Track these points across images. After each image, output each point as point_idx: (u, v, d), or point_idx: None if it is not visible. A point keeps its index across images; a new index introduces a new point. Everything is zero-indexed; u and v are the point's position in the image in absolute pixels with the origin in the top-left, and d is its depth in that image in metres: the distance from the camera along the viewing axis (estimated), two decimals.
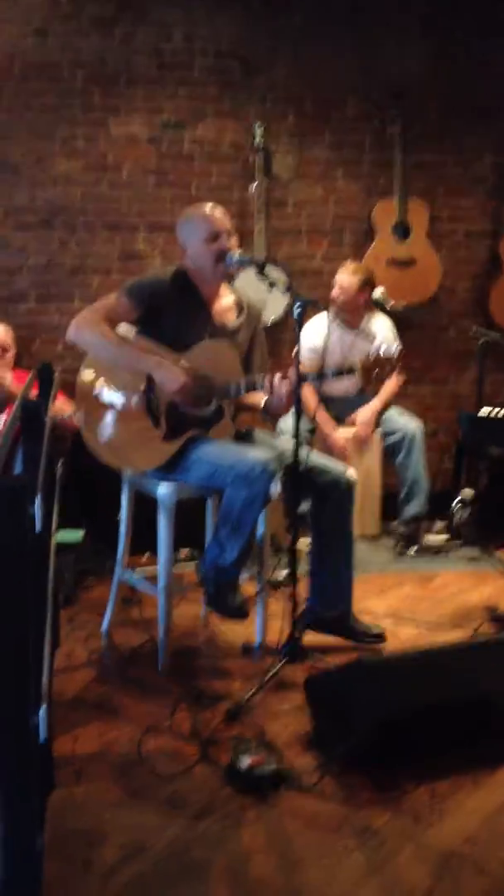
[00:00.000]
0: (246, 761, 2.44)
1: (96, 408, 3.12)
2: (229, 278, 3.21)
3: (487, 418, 3.56)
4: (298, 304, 2.93)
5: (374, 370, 3.16)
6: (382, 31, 5.16)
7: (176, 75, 5.03)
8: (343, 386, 4.78)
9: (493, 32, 5.28)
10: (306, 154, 5.21)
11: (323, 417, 4.63)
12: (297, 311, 2.93)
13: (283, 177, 5.19)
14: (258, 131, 4.99)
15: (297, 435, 2.98)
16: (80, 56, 4.93)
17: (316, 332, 4.65)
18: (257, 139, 5.00)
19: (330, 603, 3.35)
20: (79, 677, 3.14)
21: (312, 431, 4.60)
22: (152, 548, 3.97)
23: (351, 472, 3.27)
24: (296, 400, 2.97)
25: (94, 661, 3.29)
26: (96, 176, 5.02)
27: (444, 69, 5.25)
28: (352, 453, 4.70)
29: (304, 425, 4.54)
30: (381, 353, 3.14)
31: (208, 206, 3.22)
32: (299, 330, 2.96)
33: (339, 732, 2.51)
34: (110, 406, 3.13)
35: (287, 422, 4.47)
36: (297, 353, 2.96)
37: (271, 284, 3.01)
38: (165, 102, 5.04)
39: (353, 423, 4.78)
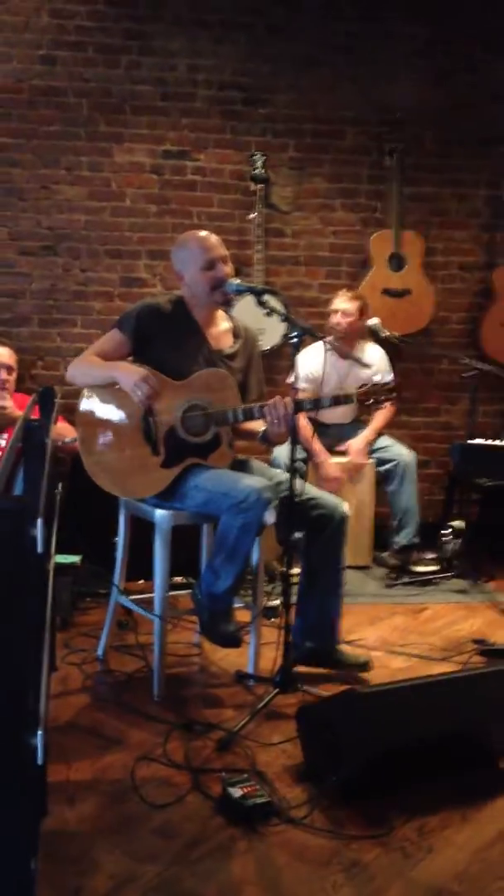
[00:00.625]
0: (238, 792, 2.45)
1: (97, 434, 3.15)
2: (227, 305, 3.25)
3: (478, 448, 3.59)
4: (296, 332, 2.97)
5: (370, 399, 3.20)
6: (381, 62, 5.26)
7: (179, 105, 5.11)
8: (337, 414, 4.82)
9: (490, 66, 5.36)
10: (305, 184, 5.29)
11: (317, 446, 4.66)
12: (294, 340, 2.97)
13: (282, 207, 5.25)
14: (258, 161, 5.06)
15: (293, 465, 3.01)
16: (86, 84, 5.01)
17: (312, 361, 4.70)
18: (257, 169, 5.06)
19: (316, 635, 3.35)
20: (74, 702, 3.15)
21: (306, 461, 4.65)
22: (148, 572, 4.02)
23: (345, 506, 3.30)
24: (292, 429, 3.01)
25: (88, 686, 3.30)
26: (100, 203, 5.08)
27: (441, 102, 5.34)
28: (345, 482, 4.73)
29: (298, 454, 4.60)
30: (377, 381, 3.18)
31: (203, 233, 3.26)
32: (296, 353, 3.00)
33: (330, 764, 2.52)
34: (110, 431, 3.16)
35: (281, 450, 4.50)
36: (295, 381, 3.00)
37: (269, 313, 3.05)
38: (169, 131, 5.12)
39: (345, 452, 4.81)
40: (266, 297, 3.04)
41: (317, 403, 3.21)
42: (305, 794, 2.57)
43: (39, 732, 1.60)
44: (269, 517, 2.95)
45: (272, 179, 5.18)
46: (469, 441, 3.80)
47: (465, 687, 2.65)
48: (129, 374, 3.07)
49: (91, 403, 3.17)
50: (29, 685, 1.69)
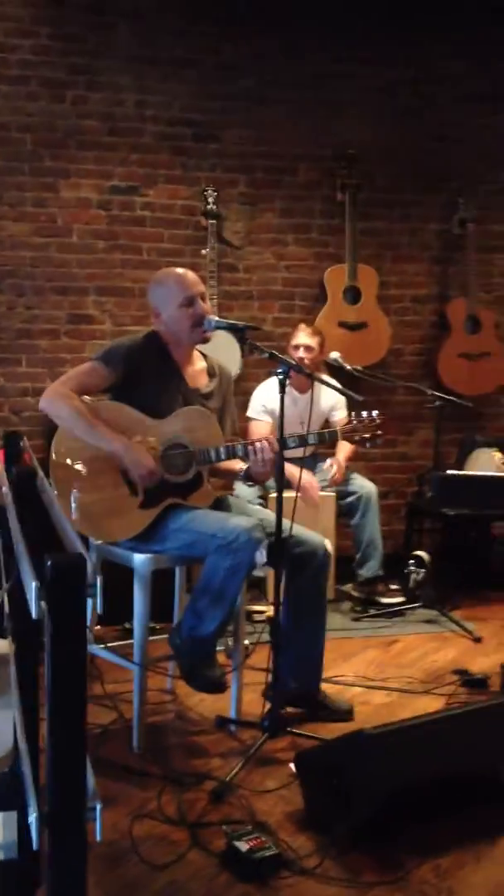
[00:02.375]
0: (244, 845, 2.34)
1: (70, 477, 3.02)
2: (204, 342, 3.17)
3: (457, 478, 3.57)
4: (282, 369, 2.91)
5: (356, 436, 3.14)
6: (332, 98, 5.30)
7: (127, 140, 5.06)
8: (298, 449, 4.75)
9: (438, 106, 5.46)
10: (258, 220, 5.27)
11: (291, 470, 4.53)
12: (280, 377, 2.90)
13: (234, 242, 5.22)
14: (210, 197, 5.03)
15: (279, 504, 2.92)
16: (29, 119, 4.92)
17: (270, 394, 4.65)
18: (209, 204, 5.02)
19: (299, 678, 3.23)
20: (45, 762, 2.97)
21: (264, 497, 4.56)
22: (120, 618, 3.89)
23: (327, 543, 3.23)
24: (279, 466, 2.93)
25: None
26: (45, 239, 4.98)
27: (392, 139, 5.41)
28: (310, 505, 4.64)
29: (258, 492, 4.52)
30: (365, 415, 3.13)
31: (181, 270, 3.19)
32: (283, 395, 2.93)
33: (337, 810, 2.42)
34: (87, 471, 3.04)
35: (244, 488, 4.42)
36: (282, 419, 2.93)
37: (252, 350, 2.98)
38: (116, 167, 5.05)
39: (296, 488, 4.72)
40: (248, 334, 2.98)
41: (301, 441, 3.14)
42: (312, 842, 2.47)
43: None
44: (260, 557, 2.86)
45: (224, 215, 5.15)
46: (448, 472, 3.77)
47: (469, 722, 2.59)
48: (137, 465, 2.96)
49: (65, 444, 3.04)
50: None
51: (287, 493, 4.49)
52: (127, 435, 3.01)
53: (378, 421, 3.14)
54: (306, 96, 5.26)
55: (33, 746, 1.93)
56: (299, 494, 4.55)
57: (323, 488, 4.70)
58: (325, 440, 3.18)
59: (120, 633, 3.93)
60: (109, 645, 3.32)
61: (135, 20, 5.01)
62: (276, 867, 2.31)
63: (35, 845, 1.44)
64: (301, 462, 4.73)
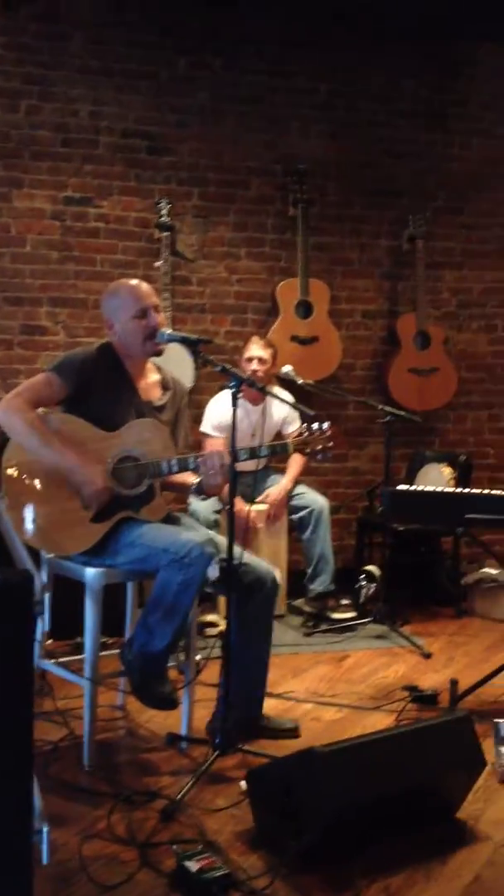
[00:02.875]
0: (194, 865, 2.31)
1: (21, 490, 2.97)
2: (157, 354, 3.15)
3: (408, 494, 3.59)
4: (233, 382, 2.90)
5: (307, 448, 3.14)
6: (286, 112, 5.34)
7: (81, 151, 5.04)
8: (249, 462, 4.75)
9: (389, 123, 5.52)
10: (211, 233, 5.27)
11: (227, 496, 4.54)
12: (232, 390, 2.90)
13: (187, 255, 5.22)
14: (164, 209, 5.01)
15: (231, 524, 2.91)
16: None
17: (222, 408, 4.65)
18: (163, 217, 5.01)
19: (241, 703, 3.13)
20: None
21: (220, 512, 4.55)
22: (71, 633, 3.83)
23: (276, 573, 3.21)
24: (232, 479, 2.91)
25: None
26: None
27: (343, 155, 5.45)
28: (261, 531, 4.67)
29: (213, 506, 4.50)
30: (315, 427, 3.13)
31: (134, 281, 3.17)
32: (235, 408, 2.92)
33: (287, 829, 2.41)
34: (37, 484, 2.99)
35: (199, 504, 4.40)
36: (234, 432, 2.92)
37: (204, 363, 2.98)
38: (70, 178, 5.02)
39: (261, 501, 4.74)
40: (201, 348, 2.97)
41: (253, 453, 3.13)
42: (262, 861, 2.45)
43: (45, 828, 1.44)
44: (213, 572, 2.84)
45: (177, 227, 5.14)
46: (399, 487, 3.79)
47: (419, 739, 2.59)
48: (87, 481, 2.93)
49: (17, 455, 3.00)
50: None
51: (256, 507, 4.61)
52: (79, 448, 2.98)
53: (329, 433, 3.13)
54: (252, 111, 5.28)
55: None
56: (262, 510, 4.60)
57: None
58: (277, 452, 3.18)
59: (71, 648, 3.88)
60: (60, 660, 3.27)
61: (89, 31, 4.99)
62: (225, 887, 2.28)
63: None
64: (253, 475, 4.79)
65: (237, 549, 2.92)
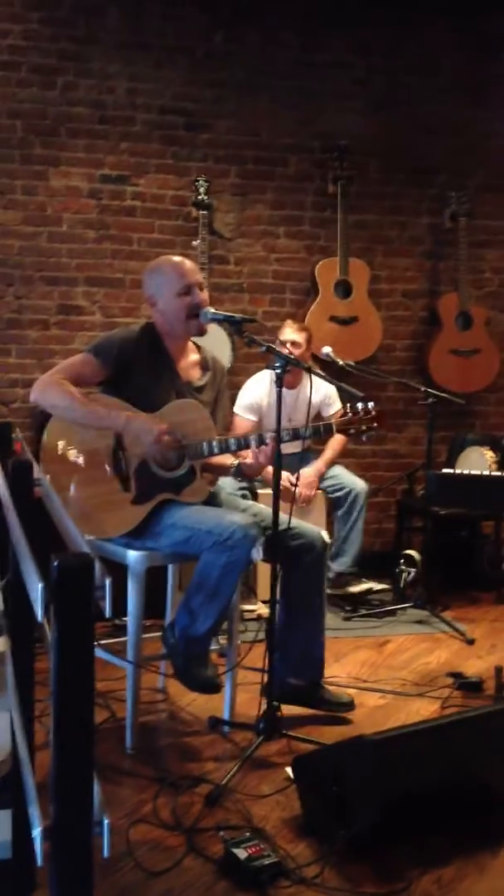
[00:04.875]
0: (243, 853, 2.27)
1: (63, 472, 2.93)
2: (201, 333, 3.09)
3: (455, 478, 3.52)
4: (279, 362, 2.84)
5: (350, 429, 3.08)
6: (325, 89, 5.23)
7: (118, 128, 4.97)
8: (288, 444, 4.69)
9: (428, 99, 5.40)
10: (248, 211, 5.19)
11: (269, 477, 4.48)
12: (277, 371, 2.84)
13: (224, 233, 5.15)
14: (202, 187, 4.94)
15: (276, 498, 2.85)
16: (20, 105, 4.82)
17: (257, 390, 4.59)
18: (201, 195, 4.94)
19: (300, 673, 3.19)
20: (41, 760, 2.89)
21: (252, 490, 4.50)
22: (111, 615, 3.79)
23: (324, 534, 3.17)
24: (277, 461, 2.85)
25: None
26: (35, 228, 4.88)
27: (383, 131, 5.34)
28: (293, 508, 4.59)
29: (238, 483, 4.44)
30: (360, 407, 3.06)
31: (178, 258, 3.11)
32: (279, 389, 2.86)
33: (336, 817, 2.36)
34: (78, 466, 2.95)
35: (225, 480, 4.34)
36: (279, 412, 2.86)
37: (250, 342, 2.91)
38: (107, 155, 4.96)
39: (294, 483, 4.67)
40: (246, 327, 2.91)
41: (296, 434, 3.08)
42: (310, 849, 2.40)
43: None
44: (257, 554, 2.79)
45: (215, 206, 5.07)
46: (444, 470, 3.72)
47: (470, 729, 2.53)
48: (146, 431, 2.86)
49: (57, 437, 2.96)
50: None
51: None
52: None
53: (373, 413, 3.07)
54: (291, 86, 5.18)
55: (30, 747, 1.86)
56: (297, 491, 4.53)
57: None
58: (321, 433, 3.12)
59: (111, 630, 3.85)
60: (101, 642, 3.24)
61: (126, 5, 4.92)
62: (275, 876, 2.25)
63: (39, 861, 1.37)
64: (295, 457, 4.73)
65: (283, 516, 2.86)
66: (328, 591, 4.67)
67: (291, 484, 4.19)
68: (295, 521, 3.05)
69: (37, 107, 4.85)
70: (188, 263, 3.07)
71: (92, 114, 4.93)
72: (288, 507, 2.92)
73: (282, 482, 2.88)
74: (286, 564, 3.06)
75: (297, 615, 3.14)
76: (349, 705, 3.26)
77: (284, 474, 4.19)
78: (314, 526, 3.19)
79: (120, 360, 2.98)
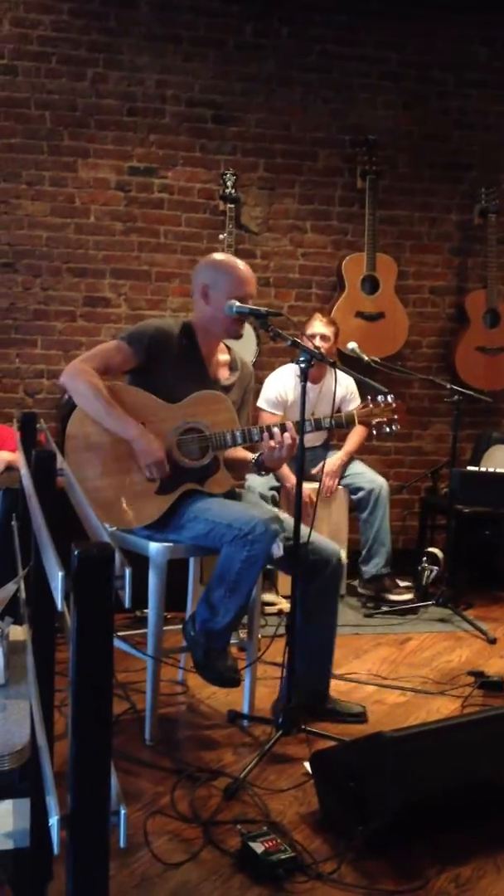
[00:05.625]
0: (259, 847, 2.26)
1: (88, 462, 2.93)
2: (237, 337, 3.09)
3: (479, 475, 3.49)
4: (303, 356, 2.82)
5: (373, 419, 3.07)
6: (355, 82, 5.21)
7: (147, 120, 4.97)
8: (310, 437, 4.67)
9: (459, 94, 5.36)
10: (276, 205, 5.18)
11: (285, 471, 4.48)
12: (302, 365, 2.82)
13: (251, 227, 5.13)
14: (230, 180, 4.93)
15: (299, 500, 2.84)
16: (49, 96, 4.83)
17: (282, 384, 4.58)
18: (228, 188, 4.93)
19: (306, 683, 3.08)
20: (59, 750, 2.91)
21: (278, 489, 4.49)
22: (131, 606, 3.80)
23: (341, 553, 3.15)
24: (300, 453, 2.84)
25: None
26: (63, 219, 4.89)
27: (413, 126, 5.31)
28: (317, 505, 4.58)
29: (269, 482, 4.44)
30: (381, 399, 3.05)
31: (242, 265, 3.05)
32: (305, 382, 2.85)
33: (354, 814, 2.35)
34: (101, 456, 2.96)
35: (256, 479, 4.34)
36: (303, 405, 2.84)
37: (275, 336, 2.90)
38: (135, 147, 4.96)
39: (317, 477, 4.67)
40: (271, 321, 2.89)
41: (318, 424, 3.07)
42: (327, 845, 2.40)
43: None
44: (277, 550, 2.78)
45: (242, 199, 5.06)
46: (469, 468, 3.69)
47: (488, 727, 2.51)
48: (147, 450, 2.88)
49: (81, 427, 2.96)
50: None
51: (310, 485, 4.54)
52: (143, 418, 2.94)
53: (394, 405, 3.07)
54: (320, 80, 5.16)
55: (49, 737, 1.86)
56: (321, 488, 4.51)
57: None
58: (343, 425, 3.10)
59: (131, 622, 3.86)
60: (121, 634, 3.25)
61: None
62: (291, 870, 2.24)
63: (55, 850, 1.37)
64: (316, 450, 4.72)
65: (303, 529, 2.85)
66: (363, 591, 4.70)
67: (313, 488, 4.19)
68: (314, 536, 3.04)
69: (66, 98, 4.85)
70: (251, 273, 3.05)
71: (121, 106, 4.93)
72: (307, 520, 2.92)
73: (304, 496, 2.88)
74: (303, 576, 3.02)
75: (310, 624, 3.08)
76: (360, 716, 3.22)
77: (306, 490, 4.21)
78: (332, 543, 3.15)
79: (150, 351, 2.98)
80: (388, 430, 3.12)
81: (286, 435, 2.91)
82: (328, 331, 4.56)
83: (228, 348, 3.24)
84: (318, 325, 4.57)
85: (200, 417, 2.99)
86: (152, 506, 2.95)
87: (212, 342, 3.11)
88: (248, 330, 4.95)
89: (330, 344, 4.58)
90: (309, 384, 4.54)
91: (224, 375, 3.17)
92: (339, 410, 4.70)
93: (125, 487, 2.94)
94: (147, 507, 2.95)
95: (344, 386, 4.67)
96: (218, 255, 3.17)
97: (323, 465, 4.58)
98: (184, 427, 2.98)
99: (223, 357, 3.20)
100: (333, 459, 4.67)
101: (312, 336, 4.57)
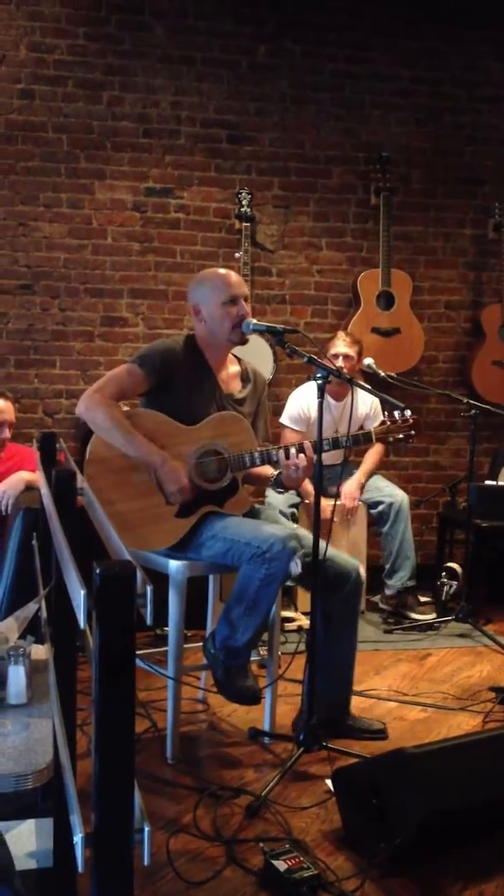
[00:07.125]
0: (282, 865, 2.26)
1: (109, 485, 2.94)
2: (243, 343, 3.10)
3: (497, 490, 3.49)
4: (320, 373, 2.84)
5: (390, 437, 3.09)
6: (367, 100, 5.25)
7: (162, 141, 5.02)
8: (329, 455, 4.68)
9: (472, 109, 5.39)
10: (291, 223, 5.21)
11: (307, 487, 4.48)
12: (319, 382, 2.83)
13: (267, 245, 5.17)
14: (245, 199, 4.97)
15: (317, 518, 2.84)
16: (65, 119, 4.89)
17: (305, 400, 4.59)
18: (244, 207, 4.97)
19: (325, 700, 3.08)
20: (82, 769, 2.92)
21: (297, 506, 4.50)
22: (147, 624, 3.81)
23: (361, 569, 3.16)
24: (317, 471, 2.86)
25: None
26: (80, 240, 4.94)
27: (427, 142, 5.34)
28: (337, 525, 4.59)
29: (290, 499, 4.44)
30: (398, 415, 3.07)
31: (224, 270, 3.13)
32: (322, 399, 2.86)
33: (377, 831, 2.35)
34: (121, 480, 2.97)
35: (276, 496, 4.35)
36: (320, 422, 2.86)
37: (291, 353, 2.92)
38: (151, 168, 5.01)
39: (336, 495, 4.66)
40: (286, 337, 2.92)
41: (336, 443, 3.08)
42: (350, 862, 2.39)
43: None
44: (295, 568, 2.79)
45: (257, 218, 5.09)
46: (487, 482, 3.69)
47: None
48: (171, 478, 2.90)
49: (101, 450, 2.97)
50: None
51: (326, 502, 4.54)
52: (161, 442, 2.95)
53: (410, 421, 3.09)
54: (333, 98, 5.20)
55: (72, 755, 1.87)
56: (337, 504, 4.51)
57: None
58: (360, 442, 3.12)
59: (151, 640, 3.87)
60: (142, 652, 3.26)
61: (170, 20, 4.97)
62: (314, 888, 2.24)
63: (80, 868, 1.38)
64: (333, 470, 4.72)
65: (321, 544, 2.86)
66: (385, 606, 4.69)
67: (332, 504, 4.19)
68: (332, 552, 3.05)
69: (82, 121, 4.91)
70: (234, 276, 3.09)
71: (136, 128, 4.98)
72: (326, 535, 2.92)
73: (322, 512, 2.88)
74: (322, 592, 3.02)
75: (328, 644, 3.09)
76: (380, 733, 3.21)
77: (326, 505, 4.21)
78: (351, 558, 3.16)
79: (163, 371, 3.00)
80: (402, 445, 3.15)
81: (301, 456, 2.92)
82: (352, 350, 4.55)
83: (239, 359, 3.26)
84: (342, 345, 4.56)
85: (219, 439, 3.00)
86: (173, 528, 2.96)
87: (219, 355, 3.14)
88: (265, 347, 4.99)
89: (353, 363, 4.57)
90: (333, 402, 4.61)
91: (236, 388, 3.19)
92: (362, 428, 4.72)
93: (146, 510, 2.95)
94: (168, 529, 2.96)
95: (367, 404, 4.68)
96: (200, 273, 3.22)
97: (340, 485, 4.59)
98: (202, 449, 3.00)
99: (234, 368, 3.22)
100: (351, 482, 4.66)
101: (336, 356, 4.56)
